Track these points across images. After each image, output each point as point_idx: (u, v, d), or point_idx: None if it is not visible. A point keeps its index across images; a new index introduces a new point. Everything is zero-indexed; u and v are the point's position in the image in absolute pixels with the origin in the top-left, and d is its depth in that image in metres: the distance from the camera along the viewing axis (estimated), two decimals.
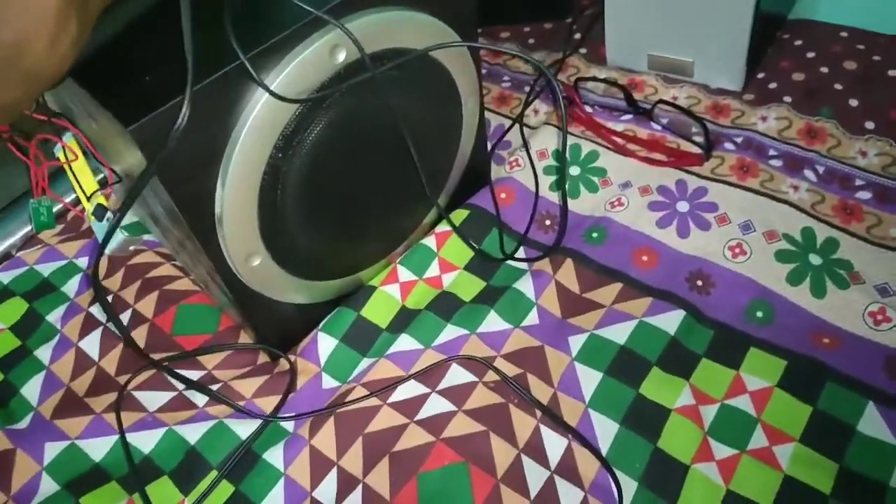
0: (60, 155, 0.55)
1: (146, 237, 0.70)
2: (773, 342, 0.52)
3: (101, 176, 0.56)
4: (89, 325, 0.63)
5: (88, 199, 0.56)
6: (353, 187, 0.54)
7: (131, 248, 0.64)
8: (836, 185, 0.60)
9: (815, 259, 0.55)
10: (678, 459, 0.48)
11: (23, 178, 0.75)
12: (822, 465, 0.46)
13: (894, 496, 0.44)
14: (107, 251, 0.56)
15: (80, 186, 0.56)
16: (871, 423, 0.47)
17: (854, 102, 0.65)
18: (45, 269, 0.69)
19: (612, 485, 0.47)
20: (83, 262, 0.69)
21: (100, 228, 0.57)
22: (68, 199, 0.66)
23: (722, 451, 0.48)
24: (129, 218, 0.69)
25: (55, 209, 0.59)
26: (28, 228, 0.74)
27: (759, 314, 0.54)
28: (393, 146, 0.54)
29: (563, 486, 0.48)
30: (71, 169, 0.55)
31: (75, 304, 0.65)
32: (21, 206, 0.76)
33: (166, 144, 0.38)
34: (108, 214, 0.56)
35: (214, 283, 0.56)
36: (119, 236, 0.57)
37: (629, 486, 0.47)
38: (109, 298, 0.65)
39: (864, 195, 0.58)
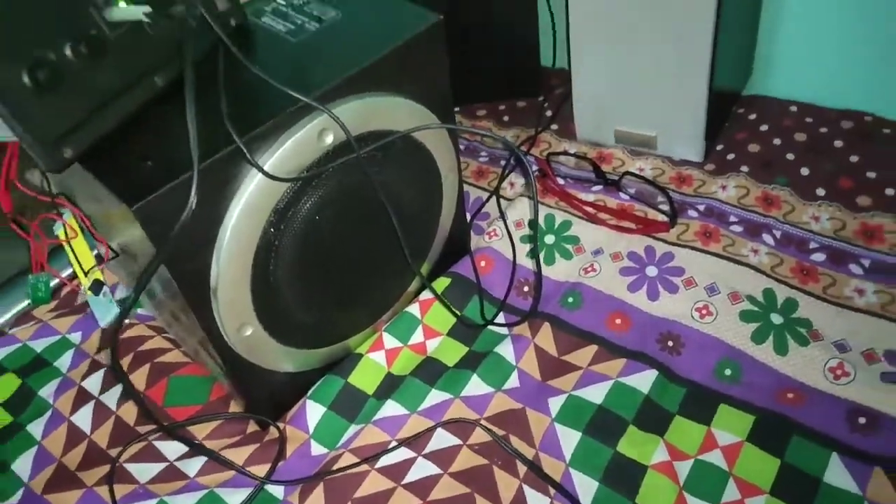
0: (60, 233, 0.58)
1: (139, 311, 0.72)
2: (742, 398, 0.55)
3: (96, 252, 0.58)
4: (81, 398, 0.64)
5: (86, 274, 0.59)
6: (342, 259, 0.57)
7: (126, 321, 0.66)
8: (792, 248, 0.64)
9: (776, 318, 0.59)
10: (633, 461, 0.50)
11: (15, 257, 0.78)
12: None
13: None
14: (102, 324, 0.58)
15: (78, 262, 0.58)
16: (836, 473, 0.49)
17: (805, 171, 0.70)
18: (38, 345, 0.70)
19: None
20: (76, 336, 0.70)
21: (96, 303, 0.59)
22: (64, 274, 0.69)
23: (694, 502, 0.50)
24: (122, 292, 0.71)
25: (52, 284, 0.62)
26: (22, 305, 0.76)
27: (728, 372, 0.57)
28: (378, 219, 0.57)
29: None
30: (70, 245, 0.58)
31: (68, 379, 0.66)
32: (14, 285, 0.78)
33: (173, 226, 0.41)
34: (105, 289, 0.59)
35: (207, 352, 0.58)
36: (114, 309, 0.59)
37: None
38: (101, 373, 0.66)
39: (819, 257, 0.62)
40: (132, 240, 0.48)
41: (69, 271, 0.66)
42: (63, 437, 0.62)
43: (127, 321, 0.70)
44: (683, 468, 0.52)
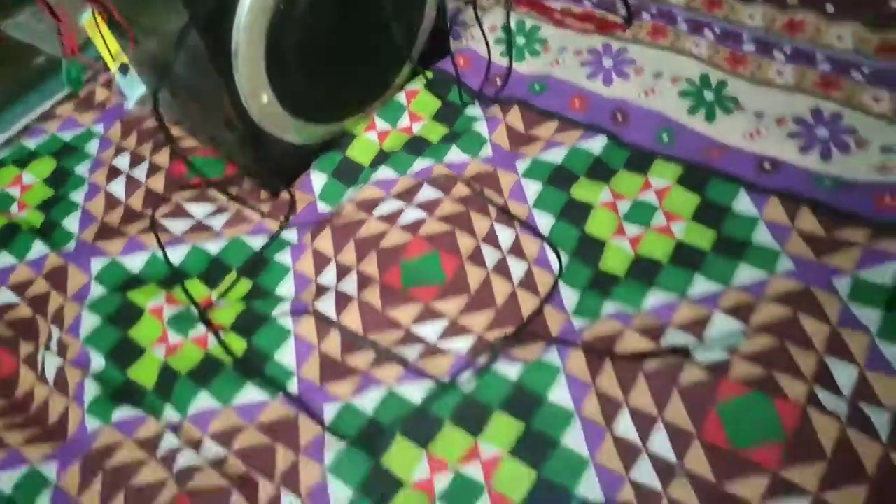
0: (88, 20, 0.66)
1: None
2: (674, 155, 0.67)
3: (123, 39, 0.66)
4: (114, 174, 0.74)
5: (113, 57, 0.67)
6: (342, 41, 0.66)
7: (147, 104, 0.75)
8: (729, 41, 0.74)
9: (708, 95, 0.70)
10: (600, 238, 0.63)
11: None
12: (705, 233, 0.61)
13: (754, 252, 0.59)
14: (132, 102, 0.67)
15: (106, 46, 0.67)
16: (742, 203, 0.62)
17: None
18: (67, 135, 0.79)
19: (551, 257, 0.62)
20: (99, 128, 0.80)
21: (125, 82, 0.68)
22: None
23: (632, 229, 0.62)
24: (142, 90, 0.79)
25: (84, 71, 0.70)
26: (44, 106, 0.84)
27: (665, 137, 0.68)
28: (372, 11, 0.66)
29: (513, 261, 0.62)
30: (98, 30, 0.66)
31: (99, 160, 0.76)
32: (33, 88, 0.86)
33: None
34: (131, 70, 0.68)
35: (224, 132, 0.68)
36: (142, 88, 0.67)
37: (563, 257, 0.62)
38: (128, 154, 0.76)
39: (750, 48, 0.73)
40: (159, 17, 0.56)
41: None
42: (102, 203, 0.73)
43: (142, 112, 0.79)
44: (624, 205, 0.64)
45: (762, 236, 0.60)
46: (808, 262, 0.58)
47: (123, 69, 0.67)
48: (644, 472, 0.50)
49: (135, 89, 0.67)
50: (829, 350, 0.53)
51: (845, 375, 0.52)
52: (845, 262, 0.57)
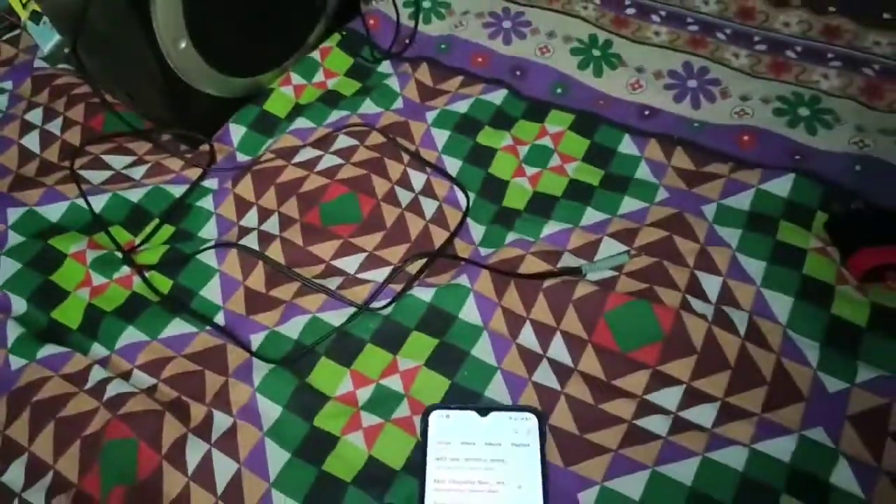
0: None
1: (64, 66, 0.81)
2: (567, 105, 0.74)
3: None
4: (27, 128, 0.74)
5: (24, 6, 0.68)
6: None
7: (66, 50, 0.75)
8: (613, 5, 0.82)
9: (596, 52, 0.77)
10: (502, 178, 0.69)
11: None
12: (594, 172, 0.68)
13: (636, 186, 0.67)
14: (45, 50, 0.68)
15: None
16: (626, 145, 0.70)
17: None
18: None
19: (459, 196, 0.68)
20: (8, 84, 0.79)
21: (37, 31, 0.68)
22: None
23: (531, 170, 0.69)
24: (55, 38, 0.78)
25: None
26: None
27: (559, 90, 0.75)
28: None
29: (424, 200, 0.68)
30: None
31: (9, 115, 0.76)
32: None
33: None
34: (44, 18, 0.68)
35: (143, 85, 0.69)
36: (55, 37, 0.68)
37: (470, 196, 0.68)
38: (40, 109, 0.76)
39: (631, 11, 0.81)
40: None
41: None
42: (16, 156, 0.73)
43: (56, 69, 0.79)
44: (523, 149, 0.71)
45: (643, 172, 0.68)
46: (681, 192, 0.66)
47: (35, 17, 0.68)
48: (545, 375, 0.57)
49: (47, 38, 0.68)
50: (698, 265, 0.61)
51: (712, 284, 0.60)
52: (712, 191, 0.65)
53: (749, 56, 0.74)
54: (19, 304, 0.62)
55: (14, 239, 0.66)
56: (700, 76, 0.73)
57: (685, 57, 0.75)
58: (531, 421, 0.52)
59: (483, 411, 0.53)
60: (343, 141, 0.72)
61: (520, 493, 0.49)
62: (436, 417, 0.52)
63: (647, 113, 0.72)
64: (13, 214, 0.67)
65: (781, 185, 0.64)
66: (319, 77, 0.79)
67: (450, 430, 0.52)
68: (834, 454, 0.51)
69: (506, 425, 0.52)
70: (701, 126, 0.70)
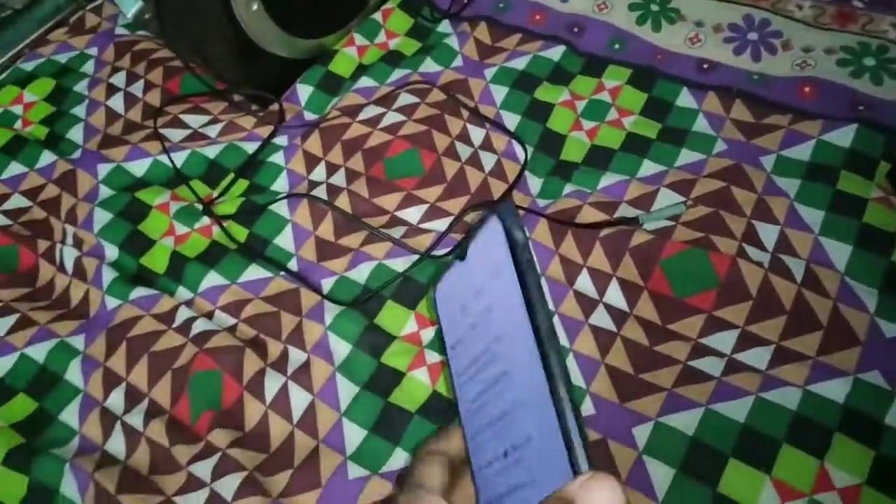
0: None
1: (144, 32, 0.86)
2: (624, 59, 0.75)
3: None
4: (112, 91, 0.80)
5: None
6: None
7: (146, 16, 0.80)
8: None
9: (654, 7, 0.78)
10: (560, 132, 0.71)
11: None
12: (652, 125, 0.69)
13: (694, 138, 0.68)
14: (129, 15, 0.73)
15: None
16: (685, 98, 0.70)
17: None
18: (62, 58, 0.84)
19: (517, 150, 0.70)
20: (93, 51, 0.84)
21: None
22: None
23: (588, 124, 0.71)
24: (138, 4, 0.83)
25: None
26: (36, 34, 0.88)
27: (616, 46, 0.76)
28: None
29: (484, 154, 0.70)
30: None
31: (96, 79, 0.81)
32: (23, 17, 0.90)
33: None
34: None
35: (217, 48, 0.73)
36: (138, 4, 0.72)
37: (528, 149, 0.70)
38: (123, 73, 0.81)
39: None
40: None
41: None
42: (103, 117, 0.78)
43: (136, 34, 0.84)
44: (581, 104, 0.72)
45: (700, 125, 0.68)
46: (739, 143, 0.66)
47: None
48: (601, 318, 0.59)
49: (130, 5, 0.72)
50: (755, 214, 0.62)
51: (769, 233, 0.61)
52: (770, 143, 0.66)
53: (812, 7, 0.73)
54: (112, 251, 0.68)
55: (105, 192, 0.71)
56: (761, 28, 0.73)
57: (745, 10, 0.75)
58: (492, 227, 0.31)
59: (464, 249, 0.34)
60: (405, 98, 0.74)
61: (506, 348, 0.30)
62: (440, 295, 0.36)
63: (705, 66, 0.73)
64: (103, 170, 0.73)
65: (843, 136, 0.64)
66: (381, 38, 0.81)
67: (452, 301, 0.35)
68: (890, 396, 0.52)
69: (480, 255, 0.32)
70: (761, 78, 0.70)
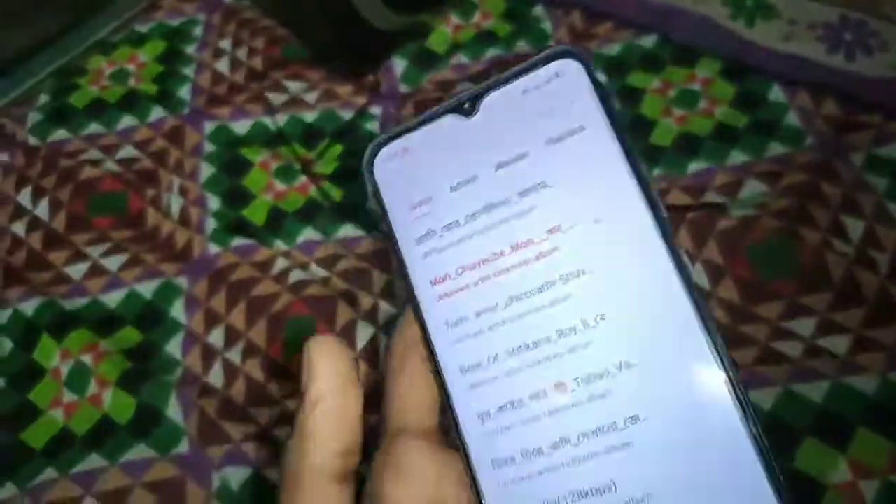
0: None
1: None
2: (717, 51, 0.76)
3: None
4: (219, 54, 0.84)
5: None
6: None
7: None
8: None
9: (749, 3, 0.79)
10: (650, 118, 0.72)
11: None
12: (741, 116, 0.71)
13: (783, 131, 0.69)
14: None
15: None
16: (775, 93, 0.71)
17: None
18: (174, 22, 0.89)
19: None
20: (202, 16, 0.89)
21: None
22: None
23: (678, 111, 0.72)
24: None
25: None
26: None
27: (709, 39, 0.78)
28: None
29: None
30: None
31: (204, 42, 0.86)
32: None
33: None
34: None
35: (318, 17, 0.77)
36: None
37: None
38: (230, 39, 0.85)
39: None
40: None
41: None
42: (210, 78, 0.82)
43: (240, 3, 0.88)
44: (672, 91, 0.74)
45: (790, 119, 0.69)
46: (829, 139, 0.67)
47: None
48: None
49: None
50: (842, 208, 0.63)
51: (856, 228, 0.62)
52: (861, 140, 0.66)
53: None
54: (214, 202, 0.72)
55: (209, 147, 0.76)
56: (857, 29, 0.74)
57: (841, 10, 0.75)
58: (568, 73, 0.24)
59: (466, 103, 0.26)
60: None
61: (600, 238, 0.24)
62: (385, 160, 0.29)
63: (798, 63, 0.73)
64: (209, 127, 0.77)
65: None
66: (476, 18, 0.84)
67: (421, 171, 0.27)
68: None
69: (519, 108, 0.25)
70: (856, 77, 0.71)
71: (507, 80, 0.25)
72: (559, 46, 0.25)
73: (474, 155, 0.25)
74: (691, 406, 0.22)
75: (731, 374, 0.22)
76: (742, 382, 0.25)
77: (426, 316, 0.25)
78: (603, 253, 0.23)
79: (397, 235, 0.26)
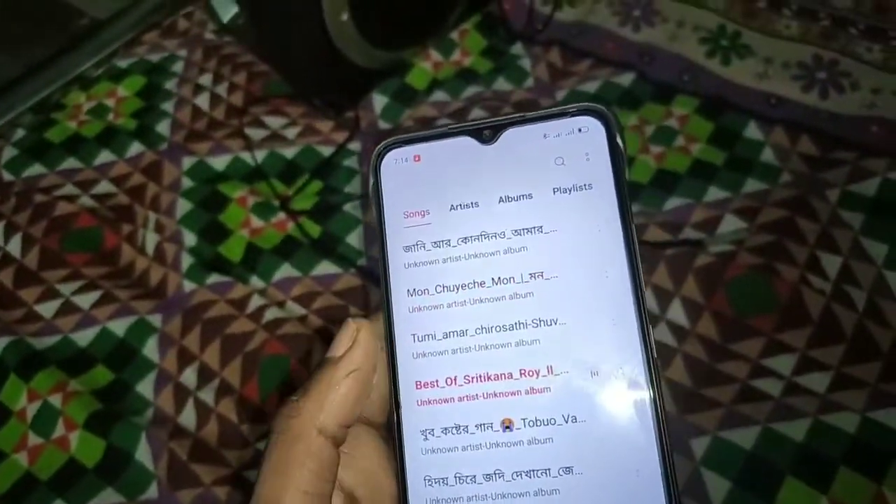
0: None
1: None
2: (693, 90, 0.77)
3: None
4: (198, 90, 0.84)
5: None
6: None
7: (239, 20, 0.84)
8: None
9: (724, 42, 0.80)
10: (628, 155, 0.73)
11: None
12: (718, 153, 0.71)
13: (760, 168, 0.69)
14: (225, 20, 0.77)
15: None
16: (752, 130, 0.72)
17: None
18: (154, 57, 0.89)
19: None
20: (183, 53, 0.89)
21: (219, 3, 0.78)
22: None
23: (656, 148, 0.73)
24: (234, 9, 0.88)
25: None
26: (129, 36, 0.93)
27: (686, 77, 0.79)
28: None
29: None
30: None
31: (185, 77, 0.86)
32: (119, 20, 0.95)
33: None
34: None
35: (300, 53, 0.78)
36: (234, 9, 0.77)
37: None
38: (210, 75, 0.85)
39: (762, 4, 0.83)
40: None
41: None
42: (189, 113, 0.82)
43: (222, 40, 0.89)
44: (649, 129, 0.74)
45: (767, 156, 0.70)
46: (805, 175, 0.68)
47: None
48: (662, 334, 0.60)
49: (227, 10, 0.77)
50: (818, 244, 0.63)
51: (832, 264, 0.62)
52: (837, 176, 0.67)
53: (882, 51, 0.75)
54: (191, 238, 0.71)
55: (187, 183, 0.75)
56: (830, 68, 0.75)
57: (815, 49, 0.77)
58: (590, 130, 0.25)
59: (487, 129, 0.26)
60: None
61: (562, 290, 0.24)
62: (393, 162, 0.26)
63: (773, 101, 0.74)
64: (187, 162, 0.77)
65: None
66: (456, 55, 0.85)
67: (425, 183, 0.26)
68: None
69: (536, 150, 0.25)
70: (828, 115, 0.72)
71: (531, 120, 0.26)
72: (593, 104, 0.26)
73: (482, 182, 0.25)
74: (624, 472, 0.22)
75: (668, 446, 0.22)
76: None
77: (395, 322, 0.25)
78: (578, 309, 0.24)
79: (386, 236, 0.26)
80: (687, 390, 0.57)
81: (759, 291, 0.61)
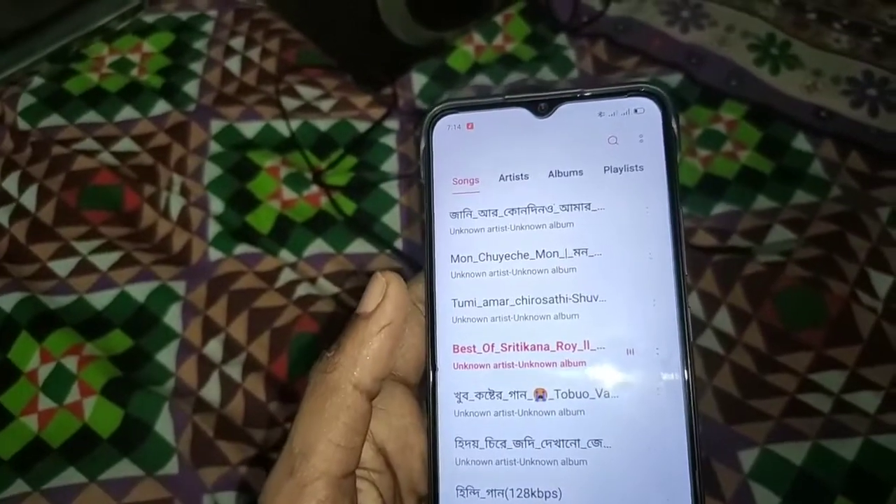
0: None
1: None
2: (741, 95, 0.75)
3: None
4: (230, 53, 0.81)
5: None
6: None
7: None
8: (792, 7, 0.83)
9: (774, 51, 0.79)
10: None
11: None
12: (767, 161, 0.70)
13: (809, 180, 0.68)
14: None
15: None
16: (801, 142, 0.71)
17: None
18: (183, 16, 0.85)
19: None
20: (214, 13, 0.85)
21: None
22: None
23: (703, 152, 0.71)
24: None
25: None
26: None
27: (734, 82, 0.77)
28: None
29: None
30: None
31: (215, 38, 0.82)
32: None
33: None
34: None
35: (341, 23, 0.75)
36: None
37: None
38: (242, 38, 0.82)
39: (812, 16, 0.82)
40: None
41: None
42: (219, 75, 0.78)
43: (254, 4, 0.85)
44: (696, 131, 0.73)
45: (816, 169, 0.69)
46: (854, 192, 0.67)
47: None
48: (709, 341, 0.59)
49: None
50: (869, 262, 0.62)
51: (882, 282, 0.61)
52: (887, 195, 0.66)
53: None
54: (218, 205, 0.68)
55: (215, 148, 0.72)
56: (881, 86, 0.74)
57: (865, 66, 0.76)
58: (646, 112, 0.24)
59: (543, 102, 0.25)
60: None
61: (605, 270, 0.24)
62: (446, 128, 0.26)
63: (822, 114, 0.73)
64: (216, 126, 0.73)
65: None
66: (499, 40, 0.82)
67: (477, 151, 0.25)
68: None
69: (590, 127, 0.25)
70: (877, 133, 0.71)
71: (588, 97, 0.25)
72: (652, 86, 0.26)
73: (534, 154, 0.25)
74: (652, 449, 0.23)
75: (697, 429, 0.23)
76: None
77: (437, 286, 0.25)
78: (619, 288, 0.24)
79: (434, 201, 0.26)
80: (734, 400, 0.55)
81: (809, 305, 0.60)
